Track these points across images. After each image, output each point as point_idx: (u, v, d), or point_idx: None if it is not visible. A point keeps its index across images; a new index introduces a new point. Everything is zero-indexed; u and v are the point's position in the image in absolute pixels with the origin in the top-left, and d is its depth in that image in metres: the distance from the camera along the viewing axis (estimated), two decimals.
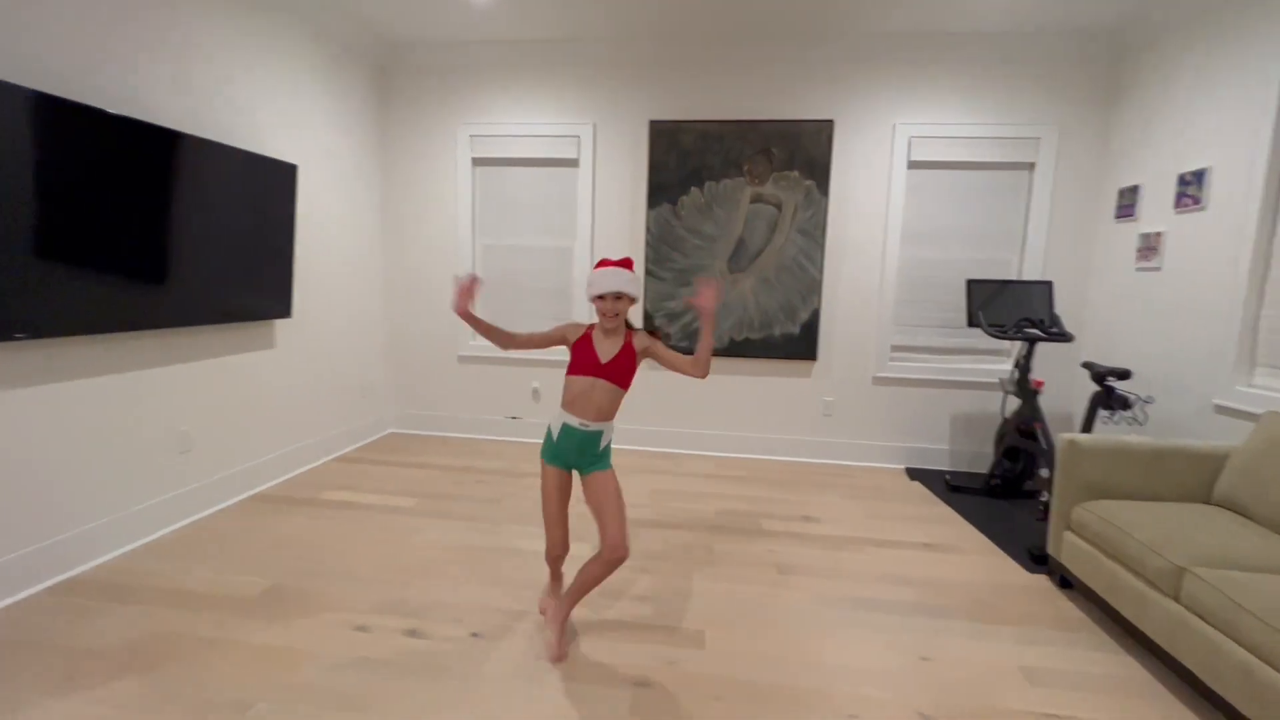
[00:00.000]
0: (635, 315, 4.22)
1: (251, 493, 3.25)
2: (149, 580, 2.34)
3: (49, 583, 2.29)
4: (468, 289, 1.89)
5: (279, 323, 3.43)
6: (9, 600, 2.16)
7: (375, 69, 4.20)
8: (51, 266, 2.15)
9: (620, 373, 1.96)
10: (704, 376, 1.93)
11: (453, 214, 4.34)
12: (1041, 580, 2.59)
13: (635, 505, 3.28)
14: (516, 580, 2.44)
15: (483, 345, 4.42)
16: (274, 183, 3.18)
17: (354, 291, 4.12)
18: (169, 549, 2.60)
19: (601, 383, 1.93)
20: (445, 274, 4.40)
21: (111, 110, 2.35)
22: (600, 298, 1.93)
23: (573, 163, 4.20)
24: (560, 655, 1.94)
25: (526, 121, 4.18)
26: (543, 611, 2.17)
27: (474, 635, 2.06)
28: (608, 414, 1.96)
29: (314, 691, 1.77)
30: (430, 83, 4.25)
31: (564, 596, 2.03)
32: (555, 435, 1.98)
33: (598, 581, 1.95)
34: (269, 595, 2.27)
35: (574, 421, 1.93)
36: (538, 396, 4.42)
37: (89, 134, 2.24)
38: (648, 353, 1.99)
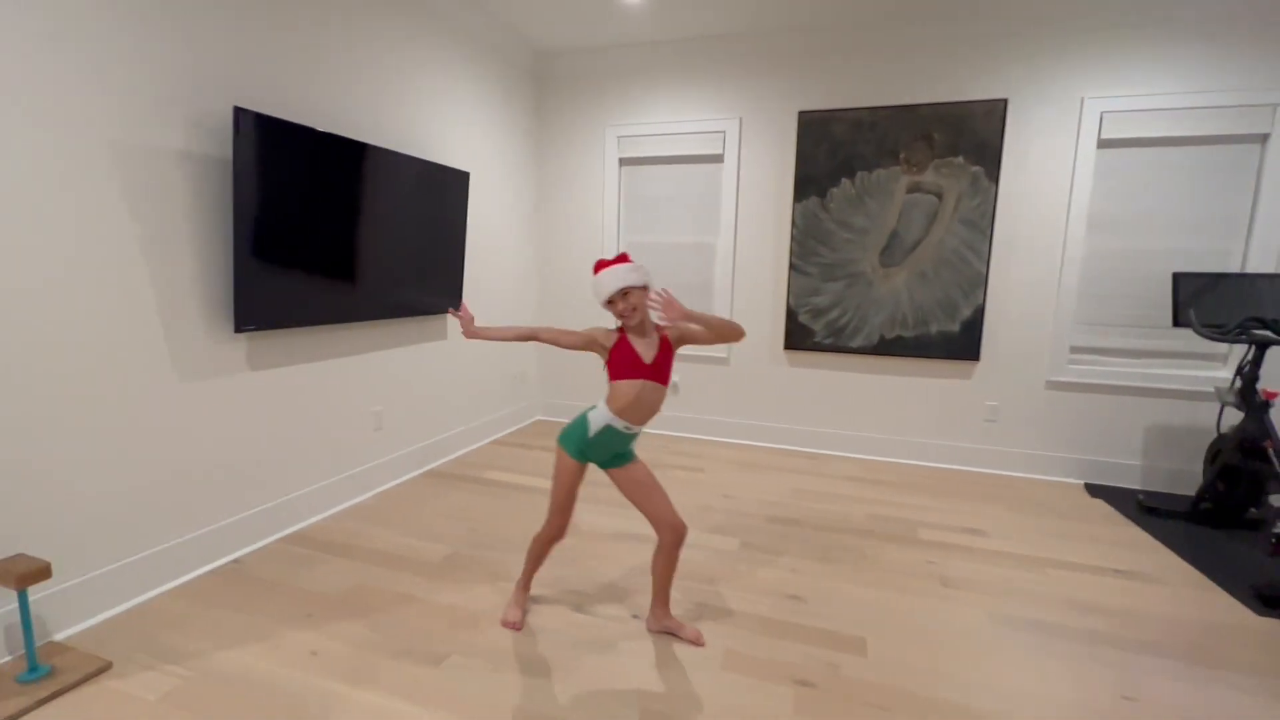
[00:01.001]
0: (778, 309, 4.15)
1: (426, 468, 3.64)
2: (355, 540, 2.71)
3: (282, 534, 2.72)
4: (466, 318, 2.03)
5: (450, 316, 3.79)
6: (253, 547, 2.60)
7: (531, 78, 4.49)
8: (271, 269, 2.49)
9: (665, 371, 1.93)
10: (737, 338, 1.86)
11: (600, 213, 4.53)
12: (1274, 624, 2.21)
13: (773, 502, 3.24)
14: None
15: None
16: (449, 189, 3.51)
17: (512, 289, 4.44)
18: (368, 513, 2.99)
19: (650, 384, 1.90)
20: (591, 269, 4.60)
21: (320, 128, 2.70)
22: (610, 302, 1.87)
23: (718, 158, 4.21)
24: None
25: (671, 120, 4.25)
26: (512, 625, 2.08)
27: (635, 616, 2.16)
28: (656, 414, 1.97)
29: (497, 651, 1.95)
30: (579, 88, 4.46)
31: (655, 604, 2.06)
32: (592, 434, 1.91)
33: (673, 569, 2.02)
34: (449, 561, 2.53)
35: (620, 425, 1.90)
36: (676, 390, 4.49)
37: (304, 151, 2.56)
38: (682, 340, 1.94)
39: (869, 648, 2.02)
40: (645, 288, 1.87)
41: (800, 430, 4.23)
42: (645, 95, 4.31)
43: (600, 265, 1.92)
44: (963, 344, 3.78)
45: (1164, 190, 3.43)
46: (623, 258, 1.92)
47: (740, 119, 4.10)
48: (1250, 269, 3.31)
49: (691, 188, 4.32)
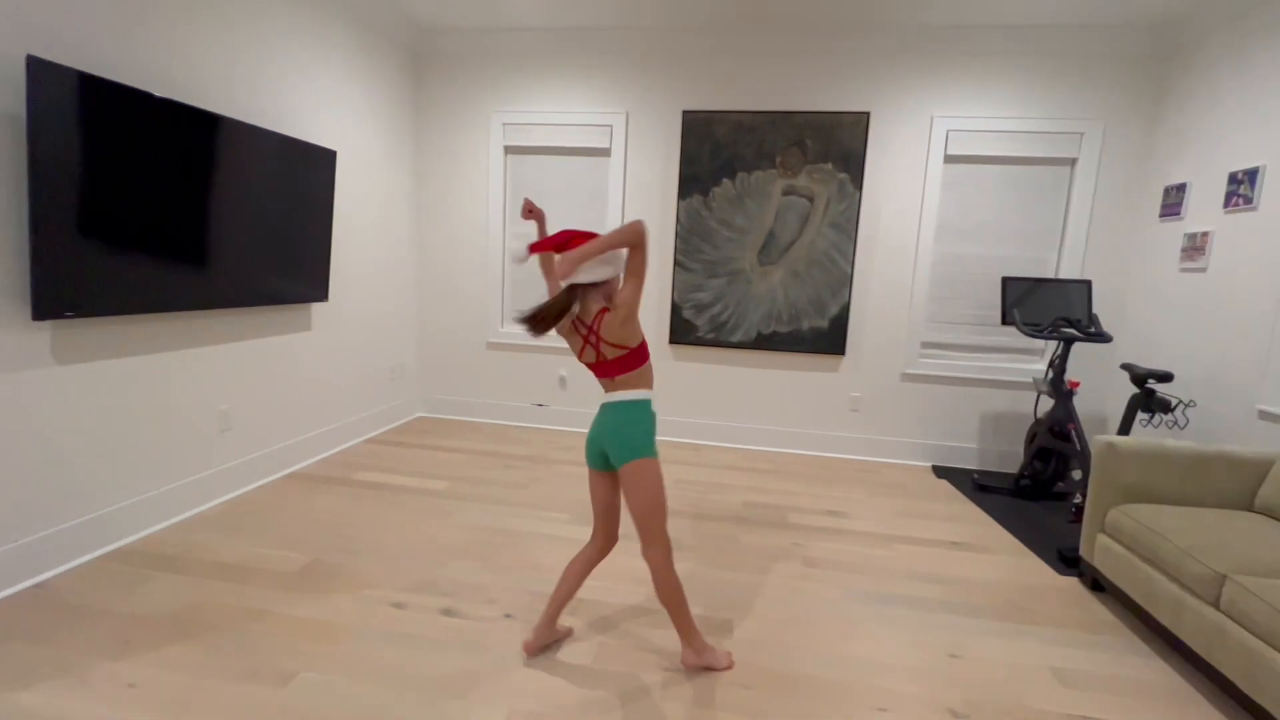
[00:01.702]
0: (664, 305, 4.23)
1: (287, 471, 3.34)
2: (194, 552, 2.43)
3: (101, 551, 2.38)
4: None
5: (316, 306, 3.51)
6: (65, 567, 2.25)
7: (410, 54, 4.24)
8: (98, 247, 2.20)
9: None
10: (563, 274, 1.67)
11: (484, 202, 4.38)
12: (1072, 582, 2.57)
13: None
14: (548, 564, 2.48)
15: (511, 332, 4.46)
16: (314, 168, 3.23)
17: (387, 277, 4.18)
18: (212, 522, 2.69)
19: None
20: (475, 260, 4.45)
21: (158, 94, 2.40)
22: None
23: (604, 152, 4.20)
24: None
25: (559, 110, 4.19)
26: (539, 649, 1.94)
27: (507, 616, 2.11)
28: None
29: (354, 664, 1.83)
30: (463, 69, 4.27)
31: (552, 612, 1.94)
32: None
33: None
34: (308, 570, 2.34)
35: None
36: (564, 384, 4.46)
37: (135, 117, 2.27)
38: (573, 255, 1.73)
39: (735, 630, 2.11)
40: None
41: (684, 422, 4.35)
42: (532, 82, 4.20)
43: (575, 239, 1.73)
44: (831, 339, 4.06)
45: (997, 203, 3.87)
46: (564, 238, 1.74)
47: (627, 114, 4.11)
48: (1062, 275, 3.81)
49: (579, 181, 4.28)
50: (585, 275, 1.72)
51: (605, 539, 1.92)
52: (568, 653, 1.93)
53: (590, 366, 1.81)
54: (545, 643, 1.94)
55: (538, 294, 4.36)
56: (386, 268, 4.17)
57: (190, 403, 2.75)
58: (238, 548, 2.49)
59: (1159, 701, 1.85)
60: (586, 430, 4.41)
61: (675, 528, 2.89)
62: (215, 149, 2.64)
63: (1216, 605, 1.86)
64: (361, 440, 3.98)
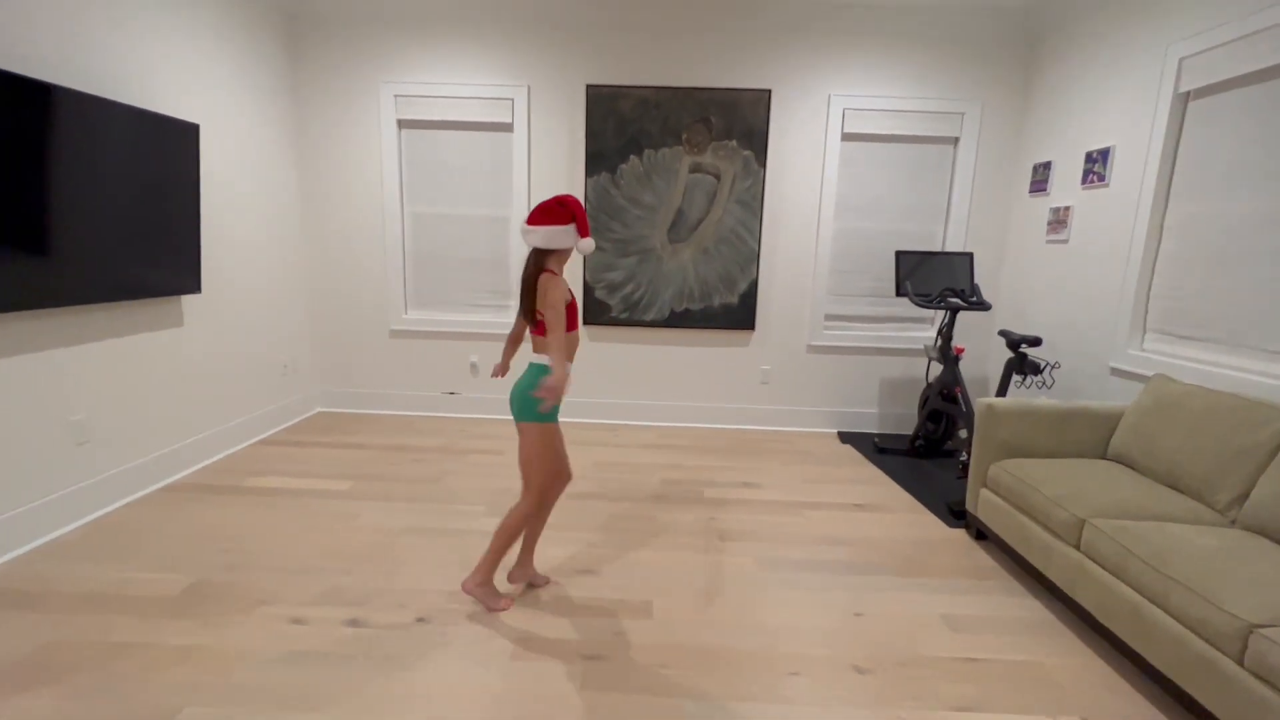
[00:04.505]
0: (575, 286, 4.15)
1: (164, 483, 3.03)
2: (50, 585, 2.15)
3: None
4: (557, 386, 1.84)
5: (188, 298, 3.16)
6: None
7: (283, 15, 3.84)
8: None
9: (574, 317, 2.03)
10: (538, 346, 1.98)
11: (378, 179, 4.09)
12: (960, 534, 2.80)
13: (578, 479, 3.28)
14: (460, 561, 2.40)
15: (415, 318, 4.24)
16: (172, 144, 2.88)
17: (272, 264, 3.83)
18: (71, 549, 2.40)
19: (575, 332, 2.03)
20: (372, 243, 4.17)
21: None
22: (566, 251, 1.99)
23: (507, 127, 4.02)
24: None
25: (455, 82, 3.95)
26: (528, 584, 2.26)
27: (419, 620, 2.02)
28: None
29: (248, 692, 1.69)
30: (347, 35, 3.93)
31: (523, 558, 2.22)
32: (564, 390, 1.95)
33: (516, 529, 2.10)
34: (191, 593, 2.14)
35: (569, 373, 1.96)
36: (476, 371, 4.30)
37: None
38: None
39: (654, 610, 2.13)
40: None
41: (600, 403, 4.33)
42: (425, 52, 3.93)
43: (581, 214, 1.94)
44: (741, 315, 4.14)
45: (890, 180, 4.06)
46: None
47: (528, 87, 3.95)
48: (948, 248, 4.08)
49: (481, 157, 4.09)
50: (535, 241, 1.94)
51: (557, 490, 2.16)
52: (485, 648, 1.88)
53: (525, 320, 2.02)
54: (524, 580, 2.21)
55: (440, 278, 4.17)
56: (271, 254, 3.82)
57: (34, 415, 2.41)
58: (104, 575, 2.23)
59: (1033, 636, 2.06)
60: (500, 416, 4.31)
61: (594, 511, 2.88)
62: (52, 124, 2.29)
63: (1078, 546, 2.08)
64: (253, 442, 3.67)
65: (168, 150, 2.86)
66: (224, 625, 1.97)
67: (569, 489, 3.13)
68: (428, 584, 2.23)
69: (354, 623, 2.00)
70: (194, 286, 3.10)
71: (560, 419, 4.26)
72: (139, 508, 2.77)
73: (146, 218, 2.77)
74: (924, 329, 4.24)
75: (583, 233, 1.95)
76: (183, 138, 2.94)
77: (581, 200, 4.04)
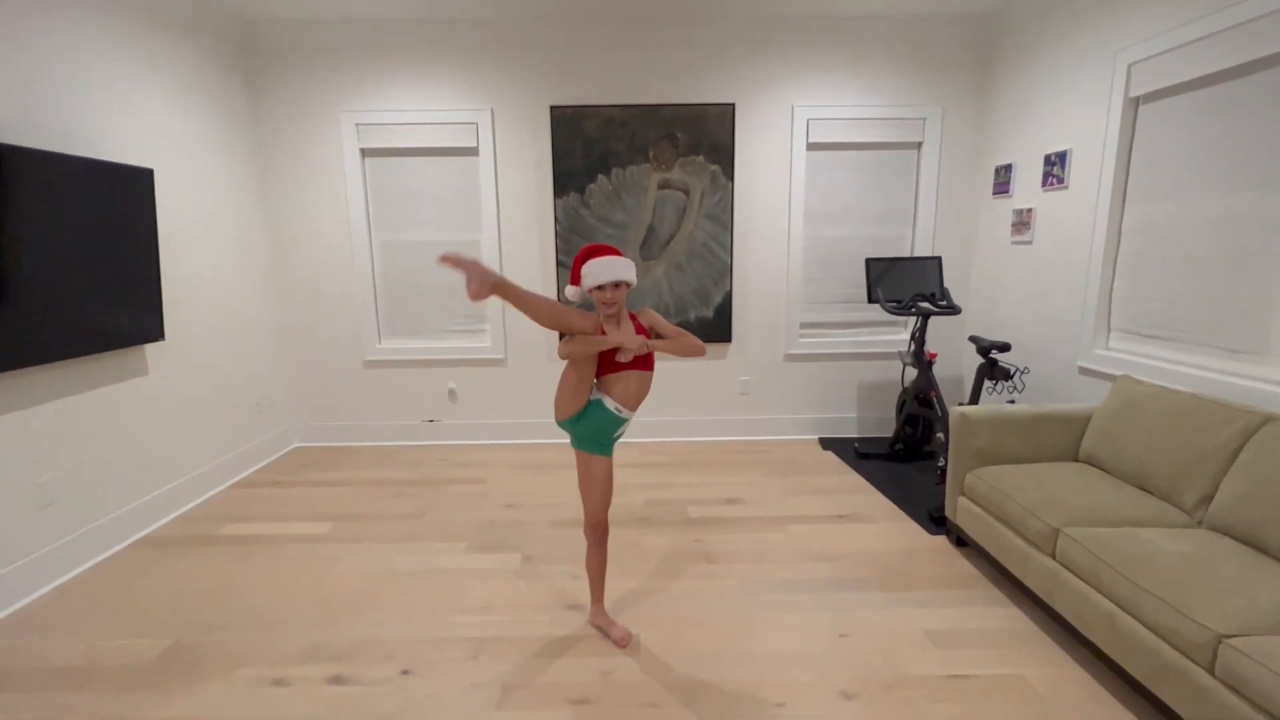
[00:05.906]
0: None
1: (135, 538, 2.96)
2: (17, 660, 2.09)
3: None
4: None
5: (151, 347, 3.09)
6: None
7: (236, 51, 3.76)
8: None
9: (649, 358, 2.01)
10: (696, 352, 1.99)
11: (344, 209, 4.03)
12: (941, 541, 2.83)
13: (556, 505, 3.26)
14: (447, 605, 2.37)
15: (390, 347, 4.19)
16: (126, 192, 2.81)
17: (238, 301, 3.76)
18: (40, 618, 2.33)
19: (637, 373, 1.99)
20: (341, 274, 4.11)
21: None
22: (599, 288, 1.91)
23: (472, 151, 3.99)
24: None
25: (417, 109, 3.91)
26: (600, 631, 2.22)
27: (405, 673, 2.00)
28: (646, 397, 2.06)
29: None
30: (303, 67, 3.87)
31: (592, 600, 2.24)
32: (616, 433, 2.05)
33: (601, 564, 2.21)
34: (168, 658, 2.09)
35: (625, 414, 2.02)
36: (454, 397, 4.26)
37: None
38: (654, 328, 2.04)
39: (641, 645, 2.13)
40: (631, 285, 1.95)
41: None
42: (386, 79, 3.89)
43: (599, 251, 1.93)
44: (717, 328, 4.16)
45: (857, 187, 4.10)
46: (615, 250, 1.95)
47: (492, 110, 3.92)
48: (917, 251, 4.13)
49: (448, 182, 4.05)
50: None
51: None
52: (472, 699, 1.86)
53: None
54: (596, 624, 2.21)
55: (411, 305, 4.13)
56: (237, 292, 3.75)
57: None
58: (75, 644, 2.16)
59: (1014, 647, 2.09)
60: (481, 442, 4.27)
61: (575, 541, 2.85)
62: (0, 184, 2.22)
63: (1053, 555, 2.11)
64: (229, 485, 3.60)
65: (122, 198, 2.79)
66: (203, 694, 1.92)
67: (557, 516, 3.12)
68: (411, 631, 2.21)
69: (337, 679, 1.97)
70: (157, 333, 3.03)
71: (541, 440, 4.24)
72: (111, 566, 2.70)
73: (104, 269, 2.70)
74: (898, 332, 4.28)
75: (573, 282, 1.99)
76: (137, 184, 2.87)
77: (553, 221, 4.03)
